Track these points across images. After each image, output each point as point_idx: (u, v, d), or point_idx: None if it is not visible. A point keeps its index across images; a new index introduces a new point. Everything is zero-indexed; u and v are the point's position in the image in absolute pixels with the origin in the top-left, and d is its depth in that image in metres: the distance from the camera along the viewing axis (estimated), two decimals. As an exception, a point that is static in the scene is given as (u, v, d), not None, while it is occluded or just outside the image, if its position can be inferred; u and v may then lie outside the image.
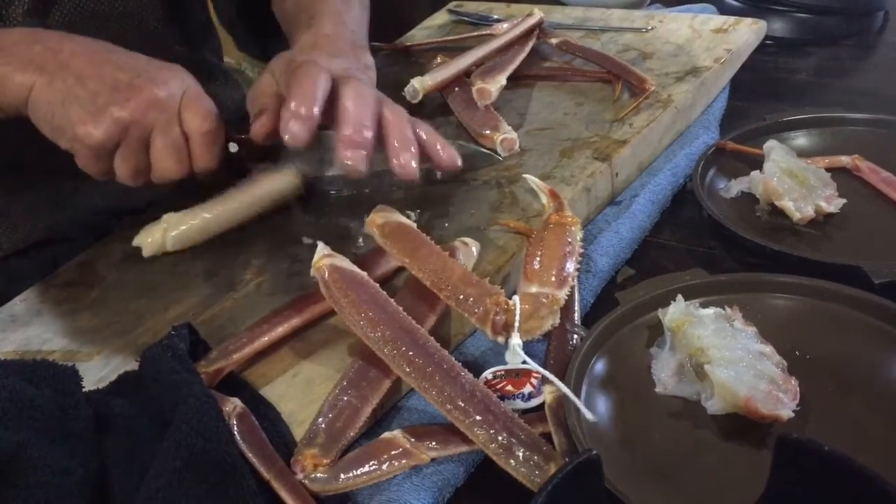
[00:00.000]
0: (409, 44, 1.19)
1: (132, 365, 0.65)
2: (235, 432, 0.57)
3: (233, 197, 0.83)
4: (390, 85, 1.11)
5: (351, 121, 0.72)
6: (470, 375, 0.59)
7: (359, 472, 0.56)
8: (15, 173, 0.89)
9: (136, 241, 0.82)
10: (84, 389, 0.61)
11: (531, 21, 1.06)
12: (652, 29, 1.10)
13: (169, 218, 0.82)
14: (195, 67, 0.81)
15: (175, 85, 0.75)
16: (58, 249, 0.91)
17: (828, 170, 0.82)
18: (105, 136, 0.72)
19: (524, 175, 0.80)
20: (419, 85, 0.97)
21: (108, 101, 0.72)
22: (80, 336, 0.75)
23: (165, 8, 0.98)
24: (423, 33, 1.24)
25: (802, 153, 0.84)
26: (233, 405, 0.59)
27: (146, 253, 0.82)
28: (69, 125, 0.72)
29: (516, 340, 0.61)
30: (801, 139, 0.89)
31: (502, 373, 0.63)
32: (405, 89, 0.97)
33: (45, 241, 0.93)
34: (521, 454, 0.55)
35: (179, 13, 1.00)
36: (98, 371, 0.69)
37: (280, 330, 0.67)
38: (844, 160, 0.84)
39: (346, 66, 0.82)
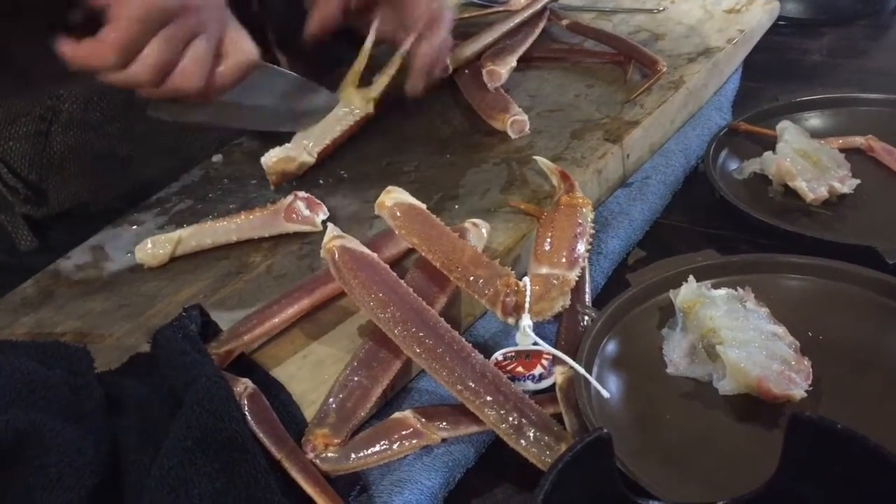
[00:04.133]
0: None
1: (144, 347, 0.65)
2: (246, 412, 0.57)
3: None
4: (401, 67, 1.11)
5: None
6: (480, 356, 0.59)
7: (369, 451, 0.56)
8: (78, 128, 0.89)
9: (140, 257, 0.81)
10: (96, 371, 0.62)
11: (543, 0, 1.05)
12: (664, 10, 1.08)
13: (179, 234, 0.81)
14: None
15: (228, 12, 0.74)
16: (95, 225, 0.90)
17: (841, 150, 0.81)
18: (169, 3, 0.67)
19: (535, 157, 0.79)
20: (448, 59, 0.96)
21: None
22: (91, 318, 0.75)
23: None
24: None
25: (816, 134, 0.83)
26: (244, 386, 0.59)
27: (152, 265, 0.81)
28: None
29: (527, 322, 0.61)
30: (814, 120, 0.89)
31: (513, 354, 0.62)
32: None
33: (83, 211, 0.93)
34: (531, 434, 0.55)
35: None
36: (110, 353, 0.69)
37: (290, 311, 0.67)
38: (858, 141, 0.83)
39: None
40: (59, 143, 0.89)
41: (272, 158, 0.88)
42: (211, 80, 0.74)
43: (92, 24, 0.68)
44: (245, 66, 0.75)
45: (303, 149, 0.88)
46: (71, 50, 0.68)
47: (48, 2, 0.69)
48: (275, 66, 0.86)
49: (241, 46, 0.75)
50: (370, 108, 0.91)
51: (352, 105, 0.91)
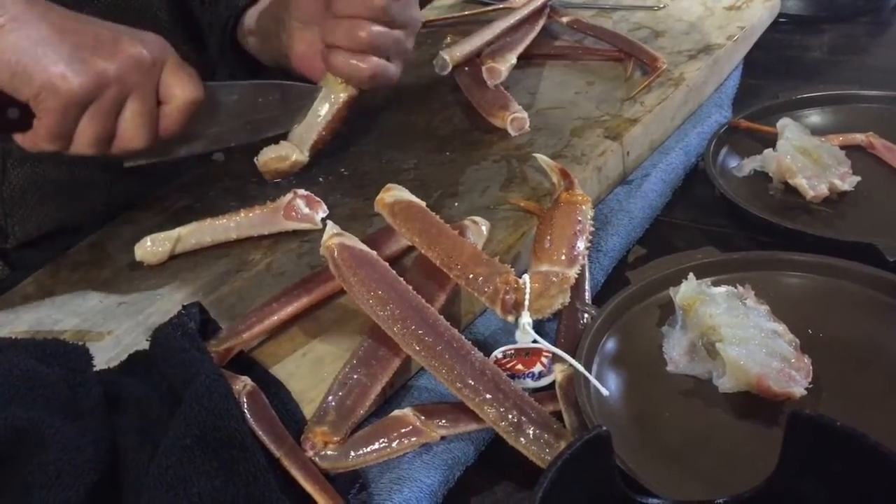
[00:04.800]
0: (425, 19, 1.19)
1: (143, 344, 0.65)
2: (245, 410, 0.57)
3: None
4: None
5: None
6: (480, 354, 0.59)
7: (369, 449, 0.56)
8: (32, 162, 0.88)
9: (139, 255, 0.80)
10: (95, 368, 0.62)
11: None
12: (664, 6, 1.08)
13: (178, 232, 0.81)
14: (200, 68, 0.80)
15: (159, 50, 0.74)
16: (71, 241, 0.90)
17: (842, 147, 0.81)
18: (84, 87, 0.68)
19: (534, 154, 0.79)
20: (448, 56, 0.96)
21: (92, 52, 0.69)
22: (91, 316, 0.75)
23: (174, 6, 0.96)
24: (433, 13, 1.24)
25: (816, 131, 0.83)
26: (243, 383, 0.59)
27: (151, 263, 0.81)
28: (41, 71, 0.67)
29: (526, 319, 0.61)
30: (814, 117, 0.88)
31: (512, 352, 0.62)
32: (434, 61, 0.97)
33: (57, 232, 0.92)
34: (531, 432, 0.55)
35: (186, 13, 0.99)
36: (109, 350, 0.69)
37: (290, 309, 0.67)
38: (859, 138, 0.83)
39: None
40: (16, 177, 0.88)
41: (264, 158, 0.88)
42: (158, 129, 0.74)
43: (29, 113, 0.71)
44: (185, 107, 0.75)
45: (294, 147, 0.88)
46: (21, 140, 0.73)
47: None
48: (231, 83, 0.86)
49: (179, 90, 0.74)
50: (352, 91, 0.87)
51: (333, 93, 0.87)
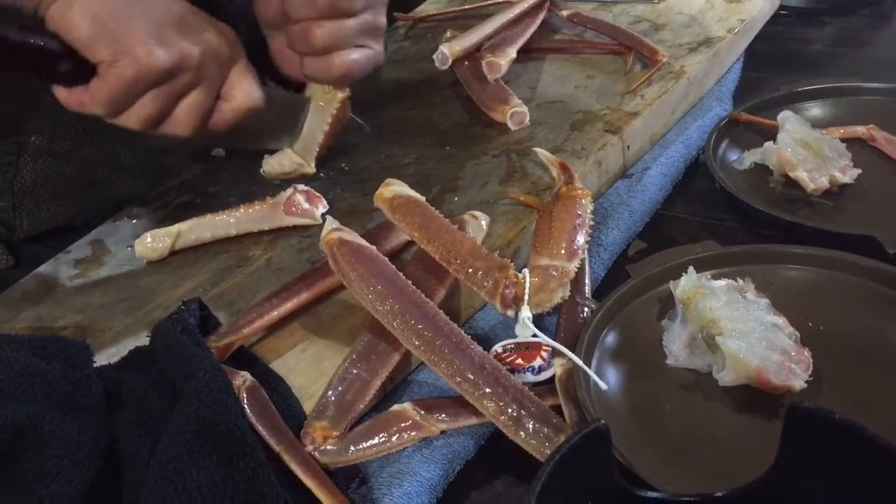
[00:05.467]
0: (425, 14, 1.19)
1: (143, 341, 0.65)
2: (245, 405, 0.57)
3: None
4: (401, 59, 1.11)
5: None
6: (479, 348, 0.59)
7: (368, 444, 0.56)
8: (47, 157, 0.88)
9: (139, 251, 0.80)
10: (95, 365, 0.62)
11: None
12: None
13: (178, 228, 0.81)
14: None
15: (235, 45, 0.73)
16: (78, 237, 0.89)
17: (843, 140, 0.81)
18: (166, 64, 0.67)
19: (534, 148, 0.79)
20: (448, 50, 0.95)
21: (180, 33, 0.68)
22: (91, 312, 0.75)
23: None
24: (432, 7, 1.24)
25: (817, 124, 0.83)
26: (243, 379, 0.59)
27: (151, 259, 0.81)
28: (128, 38, 0.66)
29: (526, 314, 0.61)
30: (815, 109, 0.88)
31: (512, 346, 0.62)
32: (434, 56, 0.96)
33: (65, 228, 0.92)
34: (531, 426, 0.55)
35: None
36: (109, 346, 0.69)
37: (289, 304, 0.67)
38: (859, 130, 0.83)
39: None
40: (28, 172, 0.88)
41: (270, 169, 0.89)
42: (213, 122, 0.74)
43: (85, 69, 0.69)
44: (244, 110, 0.75)
45: (299, 161, 0.88)
46: (64, 95, 0.70)
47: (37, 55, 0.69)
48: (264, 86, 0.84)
49: (242, 92, 0.74)
50: (338, 93, 0.84)
51: (321, 101, 0.85)
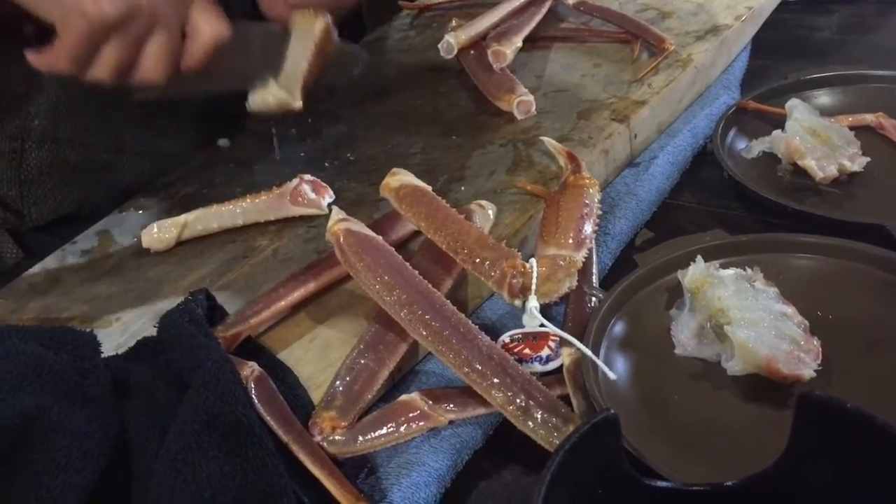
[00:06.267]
0: (430, 2, 1.19)
1: (150, 331, 0.65)
2: (253, 395, 0.57)
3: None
4: (406, 49, 1.11)
5: None
6: (487, 338, 0.58)
7: (377, 434, 0.56)
8: (52, 143, 0.88)
9: (146, 242, 0.80)
10: (103, 355, 0.62)
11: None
12: (671, -13, 1.07)
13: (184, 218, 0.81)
14: None
15: None
16: (86, 226, 0.90)
17: (851, 128, 0.80)
18: (114, 14, 0.67)
19: (541, 137, 0.79)
20: (454, 40, 0.95)
21: None
22: (98, 303, 0.75)
23: None
24: (438, -4, 1.23)
25: (825, 112, 0.82)
26: (250, 369, 0.59)
27: (158, 249, 0.81)
28: None
29: (533, 303, 0.61)
30: (823, 97, 0.88)
31: (520, 336, 0.62)
32: (439, 45, 0.96)
33: (73, 217, 0.92)
34: (539, 416, 0.55)
35: None
36: (117, 337, 0.69)
37: (297, 295, 0.67)
38: (868, 118, 0.82)
39: None
40: (34, 158, 0.88)
41: (256, 107, 0.85)
42: (179, 63, 0.73)
43: (47, 31, 0.69)
44: (211, 44, 0.74)
45: (283, 95, 0.84)
46: (34, 58, 0.71)
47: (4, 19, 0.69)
48: (243, 21, 0.83)
49: (206, 27, 0.73)
50: (321, 22, 0.82)
51: (305, 30, 0.83)
